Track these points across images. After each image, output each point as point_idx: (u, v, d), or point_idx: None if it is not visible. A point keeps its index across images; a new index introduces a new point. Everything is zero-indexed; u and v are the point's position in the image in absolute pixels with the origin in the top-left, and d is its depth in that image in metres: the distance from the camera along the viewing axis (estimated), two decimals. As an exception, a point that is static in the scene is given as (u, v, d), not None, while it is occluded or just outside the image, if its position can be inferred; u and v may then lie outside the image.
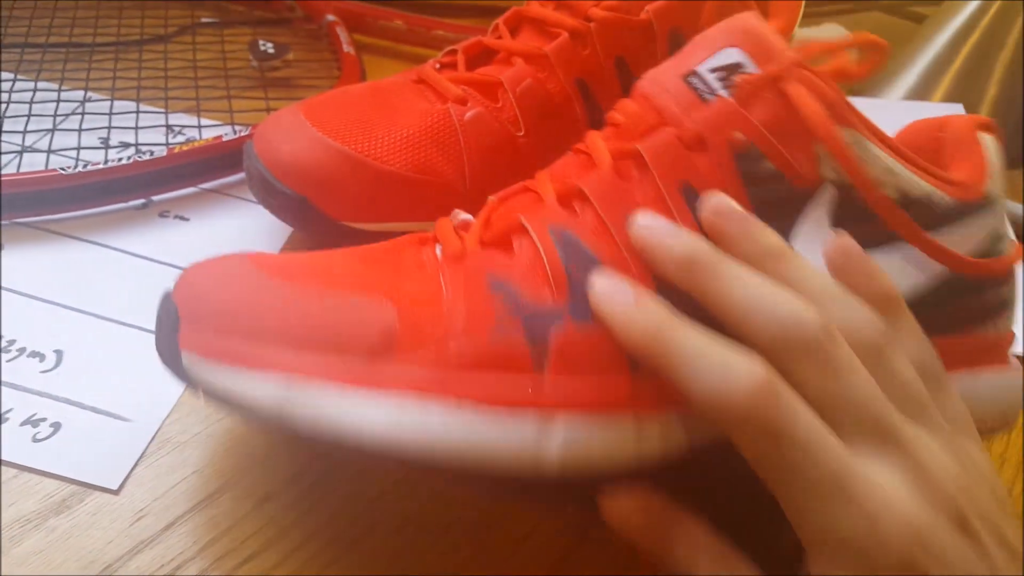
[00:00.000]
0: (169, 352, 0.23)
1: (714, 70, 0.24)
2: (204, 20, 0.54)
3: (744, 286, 0.20)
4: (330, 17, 0.52)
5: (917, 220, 0.24)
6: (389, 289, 0.23)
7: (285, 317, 0.22)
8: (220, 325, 0.22)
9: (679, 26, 0.36)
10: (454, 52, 0.38)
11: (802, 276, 0.21)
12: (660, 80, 0.25)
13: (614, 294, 0.20)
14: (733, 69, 0.24)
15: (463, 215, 0.26)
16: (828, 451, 0.18)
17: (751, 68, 0.23)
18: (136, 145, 0.41)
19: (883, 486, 0.18)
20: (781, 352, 0.19)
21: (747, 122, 0.23)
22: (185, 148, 0.38)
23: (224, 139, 0.39)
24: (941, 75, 0.59)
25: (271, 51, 0.49)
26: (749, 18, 0.24)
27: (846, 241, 0.22)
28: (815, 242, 0.23)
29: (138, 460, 0.27)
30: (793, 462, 0.18)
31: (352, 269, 0.24)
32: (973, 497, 0.19)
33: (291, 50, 0.49)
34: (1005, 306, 0.27)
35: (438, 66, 0.38)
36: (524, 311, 0.22)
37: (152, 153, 0.38)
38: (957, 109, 0.57)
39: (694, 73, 0.24)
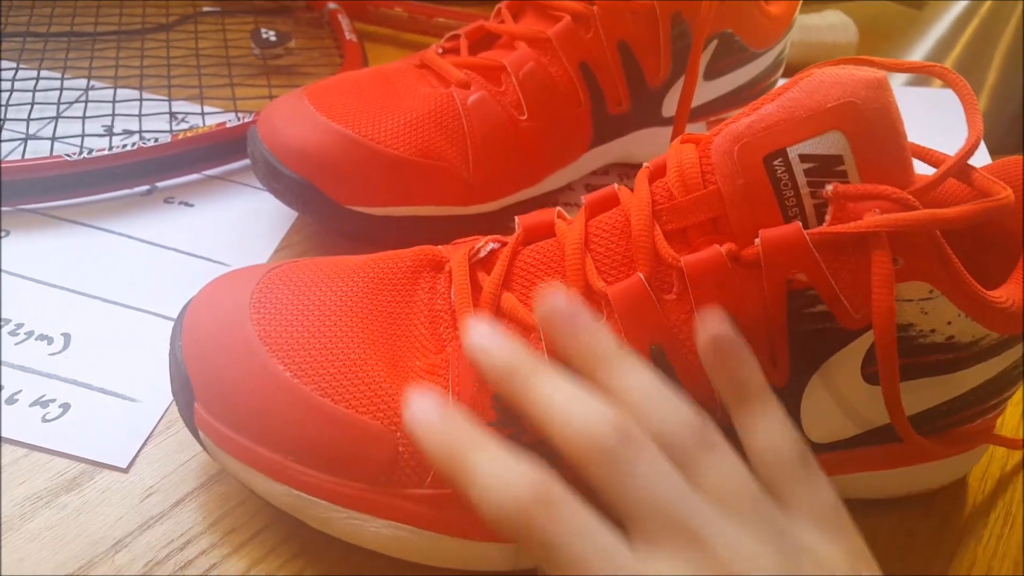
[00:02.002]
0: (188, 419, 0.25)
1: (806, 158, 0.21)
2: (206, 9, 0.54)
3: (551, 397, 0.20)
4: (331, 5, 0.52)
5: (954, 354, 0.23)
6: (397, 378, 0.24)
7: (294, 433, 0.23)
8: (233, 423, 0.23)
9: (681, 11, 0.37)
10: (456, 37, 0.38)
11: (625, 382, 0.20)
12: (733, 152, 0.22)
13: (421, 409, 0.20)
14: (829, 165, 0.21)
15: (489, 245, 0.25)
16: (605, 558, 0.18)
17: (851, 166, 0.21)
18: (140, 132, 0.41)
19: (657, 570, 0.18)
20: (578, 459, 0.19)
21: (815, 266, 0.21)
22: (189, 135, 0.38)
23: (228, 125, 0.39)
24: (941, 61, 0.59)
25: (273, 39, 0.49)
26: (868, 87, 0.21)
27: (717, 328, 0.21)
28: (846, 374, 0.23)
29: (146, 439, 0.28)
30: (560, 557, 0.18)
31: (361, 339, 0.24)
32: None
33: (293, 38, 0.49)
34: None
35: (441, 51, 0.38)
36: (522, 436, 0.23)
37: (156, 140, 0.38)
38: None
39: (782, 155, 0.21)
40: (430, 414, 0.20)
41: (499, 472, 0.18)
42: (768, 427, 0.21)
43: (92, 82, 0.45)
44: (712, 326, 0.21)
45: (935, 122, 0.55)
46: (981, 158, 0.52)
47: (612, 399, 0.20)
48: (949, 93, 0.57)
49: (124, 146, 0.37)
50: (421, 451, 0.19)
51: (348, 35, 0.49)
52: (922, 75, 0.59)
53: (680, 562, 0.18)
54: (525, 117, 0.36)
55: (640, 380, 0.20)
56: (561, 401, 0.19)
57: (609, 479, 0.19)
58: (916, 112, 0.56)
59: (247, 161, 0.39)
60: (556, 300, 0.21)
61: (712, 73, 0.40)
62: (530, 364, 0.20)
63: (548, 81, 0.36)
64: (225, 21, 0.53)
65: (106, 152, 0.37)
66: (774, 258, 0.21)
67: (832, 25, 0.60)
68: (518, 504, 0.18)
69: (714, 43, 0.39)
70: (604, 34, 0.36)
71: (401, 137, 0.34)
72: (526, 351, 0.20)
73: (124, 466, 0.27)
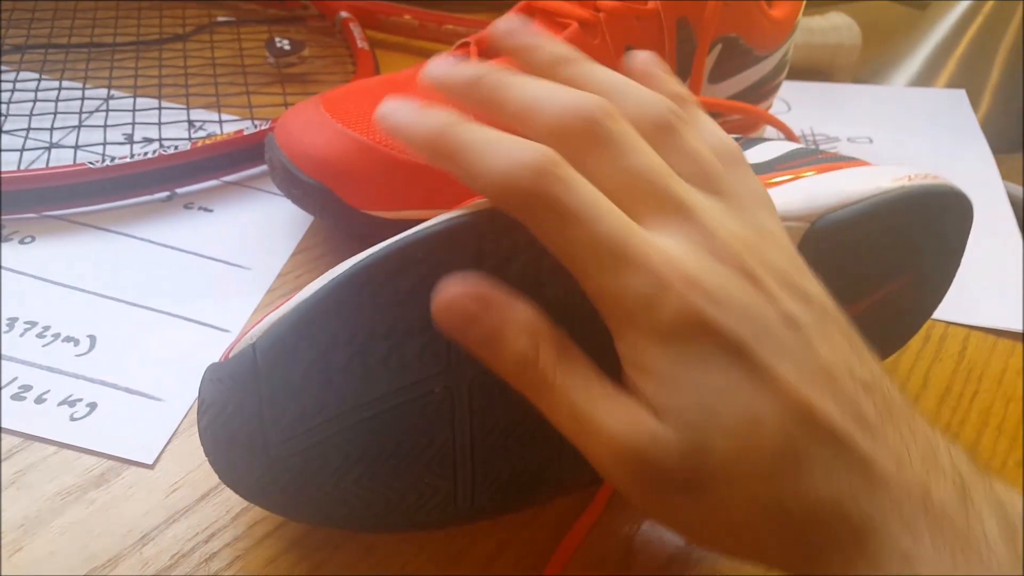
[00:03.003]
0: None
1: None
2: (220, 19, 0.56)
3: (525, 87, 0.20)
4: (343, 14, 0.54)
5: None
6: None
7: None
8: None
9: (686, 15, 0.37)
10: (467, 44, 0.39)
11: (591, 75, 0.21)
12: None
13: (396, 109, 0.20)
14: None
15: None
16: (608, 221, 0.18)
17: None
18: (160, 140, 0.43)
19: (665, 248, 0.19)
20: (563, 139, 0.19)
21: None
22: (208, 142, 0.40)
23: (245, 133, 0.40)
24: (945, 61, 0.59)
25: (287, 48, 0.50)
26: None
27: (644, 53, 0.23)
28: None
29: (171, 437, 0.29)
30: (577, 236, 0.18)
31: None
32: (764, 256, 0.19)
33: (306, 46, 0.50)
34: None
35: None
36: None
37: (176, 148, 0.39)
38: (960, 95, 0.57)
39: None
40: (408, 107, 0.20)
41: (503, 144, 0.19)
42: (704, 127, 0.22)
43: (112, 91, 0.46)
44: (637, 56, 0.23)
45: (937, 118, 0.56)
46: (983, 156, 0.52)
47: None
48: (951, 92, 0.58)
49: (145, 154, 0.38)
50: (406, 144, 0.20)
51: (360, 43, 0.50)
52: (924, 76, 0.60)
53: (673, 233, 0.19)
54: (534, 122, 0.37)
55: (607, 74, 0.22)
56: (538, 90, 0.20)
57: (600, 158, 0.19)
58: (920, 110, 0.56)
59: (264, 167, 0.40)
60: (512, 22, 0.23)
61: (717, 76, 0.41)
62: (497, 72, 0.21)
63: (556, 86, 0.37)
64: (240, 31, 0.54)
65: (128, 160, 0.38)
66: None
67: (835, 27, 0.61)
68: (530, 169, 0.18)
69: (719, 47, 0.39)
70: (611, 40, 0.37)
71: (414, 142, 0.35)
72: (489, 67, 0.21)
73: (150, 462, 0.28)
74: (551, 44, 0.22)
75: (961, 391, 0.35)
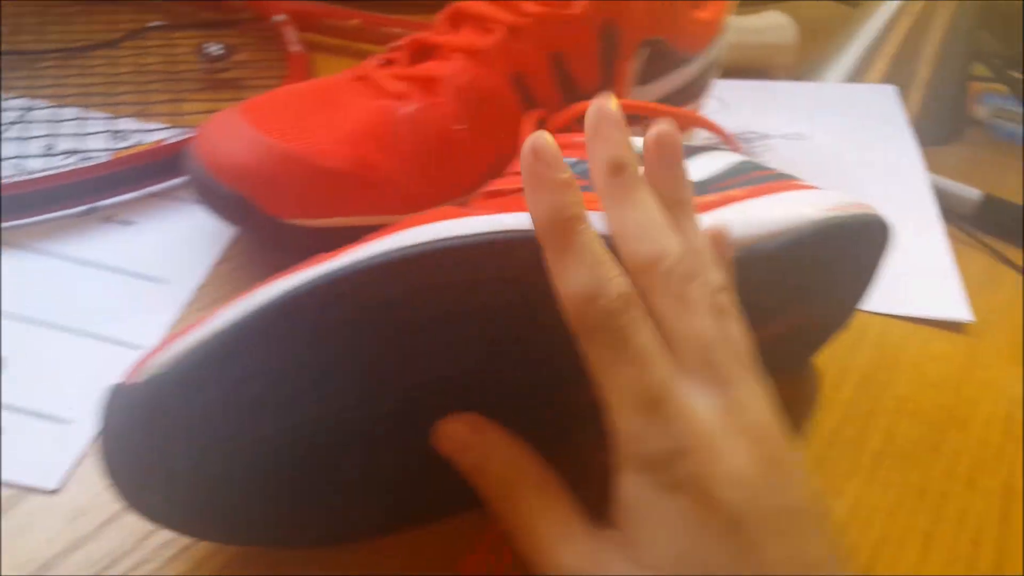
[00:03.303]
0: None
1: None
2: (153, 24, 0.54)
3: (642, 212, 0.22)
4: (278, 17, 0.53)
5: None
6: None
7: None
8: None
9: (612, 19, 0.37)
10: (397, 48, 0.39)
11: (691, 232, 0.22)
12: None
13: (547, 169, 0.21)
14: None
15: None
16: (657, 370, 0.20)
17: None
18: (81, 152, 0.41)
19: (696, 413, 0.20)
20: (645, 274, 0.21)
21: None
22: (128, 152, 0.39)
23: (168, 142, 0.39)
24: (876, 58, 0.60)
25: (219, 52, 0.49)
26: None
27: (665, 129, 0.23)
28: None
29: (78, 461, 0.28)
30: (624, 372, 0.20)
31: None
32: (783, 443, 0.20)
33: (239, 51, 0.50)
34: None
35: (381, 63, 0.38)
36: None
37: (96, 159, 0.38)
38: (891, 90, 0.58)
39: None
40: (553, 181, 0.21)
41: (597, 264, 0.20)
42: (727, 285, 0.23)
43: (34, 101, 0.45)
44: (662, 127, 0.23)
45: (867, 114, 0.56)
46: (910, 149, 0.53)
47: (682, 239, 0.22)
48: (883, 88, 0.59)
49: (62, 166, 0.37)
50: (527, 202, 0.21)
51: (293, 47, 0.49)
52: (856, 72, 0.61)
53: (711, 400, 0.20)
54: (460, 128, 0.36)
55: (699, 236, 0.23)
56: (645, 221, 0.22)
57: (672, 310, 0.21)
58: (851, 105, 0.57)
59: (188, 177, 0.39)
60: (668, 135, 0.23)
61: (645, 79, 0.41)
62: (635, 178, 0.22)
63: (483, 92, 0.37)
64: (172, 36, 0.53)
65: (43, 173, 0.37)
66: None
67: (771, 26, 0.61)
68: (608, 297, 0.20)
69: (645, 51, 0.39)
70: (537, 45, 0.37)
71: (336, 149, 0.35)
72: (635, 163, 0.23)
73: (54, 488, 0.27)
74: (682, 183, 0.23)
75: (878, 378, 0.36)
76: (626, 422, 0.20)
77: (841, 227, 0.27)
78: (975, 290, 0.43)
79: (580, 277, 0.20)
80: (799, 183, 0.29)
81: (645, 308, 0.21)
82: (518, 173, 0.27)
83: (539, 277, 0.21)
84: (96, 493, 0.27)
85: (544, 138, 0.21)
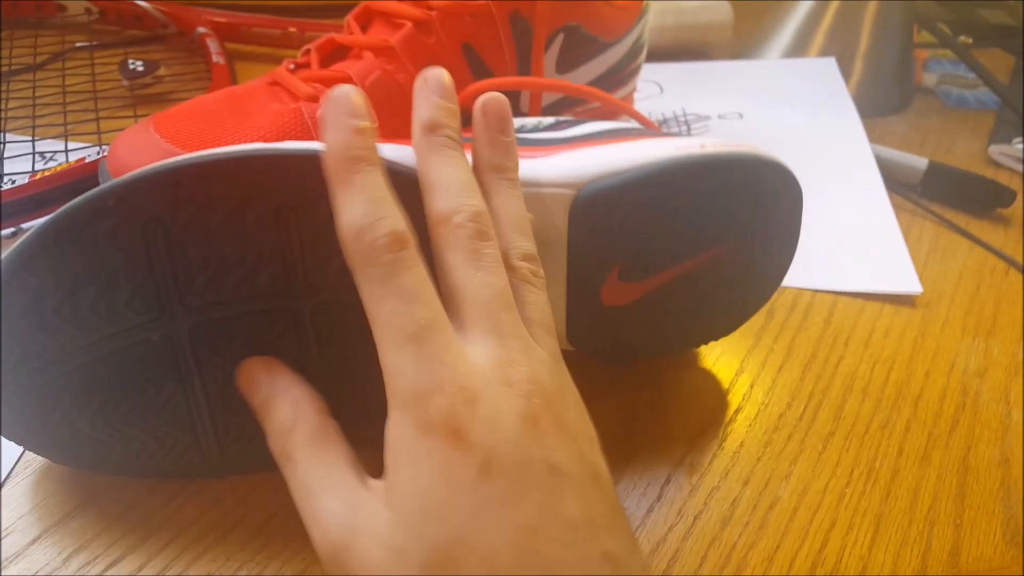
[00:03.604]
0: None
1: None
2: (77, 45, 0.54)
3: (449, 170, 0.23)
4: (201, 29, 0.52)
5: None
6: None
7: None
8: None
9: (518, 8, 0.37)
10: (309, 52, 0.39)
11: (504, 197, 0.24)
12: None
13: (341, 114, 0.22)
14: None
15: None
16: (423, 308, 0.20)
17: None
18: (1, 175, 0.41)
19: (462, 357, 0.20)
20: (441, 225, 0.22)
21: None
22: (47, 174, 0.38)
23: (87, 160, 0.39)
24: (814, 31, 0.61)
25: (140, 68, 0.48)
26: None
27: (493, 96, 0.25)
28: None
29: (3, 481, 0.28)
30: (389, 307, 0.20)
31: None
32: (556, 409, 0.20)
33: (161, 66, 0.49)
34: None
35: (293, 67, 0.38)
36: None
37: (14, 182, 0.38)
38: (830, 63, 0.59)
39: None
40: (342, 119, 0.22)
41: (379, 201, 0.21)
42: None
43: (-45, 129, 0.45)
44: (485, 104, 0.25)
45: (807, 88, 0.57)
46: (851, 120, 0.53)
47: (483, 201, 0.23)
48: (822, 61, 0.59)
49: (-20, 191, 0.37)
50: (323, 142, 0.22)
51: (216, 58, 0.49)
52: (795, 47, 0.61)
53: (483, 348, 0.20)
54: (375, 125, 0.36)
55: (513, 203, 0.24)
56: (455, 177, 0.23)
57: (461, 262, 0.21)
58: (791, 80, 0.58)
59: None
60: (498, 104, 0.25)
61: (565, 66, 0.41)
62: (449, 137, 0.24)
63: (395, 88, 0.37)
64: (94, 55, 0.52)
65: (-40, 199, 0.36)
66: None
67: (706, 6, 0.62)
68: (384, 233, 0.20)
69: (560, 37, 0.39)
70: (447, 38, 0.37)
71: (251, 157, 0.34)
72: (452, 122, 0.24)
73: (-23, 512, 0.27)
74: (501, 149, 0.25)
75: (826, 357, 0.36)
76: (389, 357, 0.20)
77: (709, 164, 0.28)
78: (925, 260, 0.43)
79: (354, 210, 0.21)
80: (677, 136, 0.30)
81: (422, 255, 0.21)
82: None
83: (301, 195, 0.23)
84: (22, 514, 0.27)
85: (346, 90, 0.22)
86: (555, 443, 0.20)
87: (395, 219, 0.21)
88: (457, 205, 0.22)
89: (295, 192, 0.23)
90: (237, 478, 0.28)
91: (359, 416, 0.25)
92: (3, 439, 0.29)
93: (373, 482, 0.21)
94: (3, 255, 0.23)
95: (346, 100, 0.22)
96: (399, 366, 0.20)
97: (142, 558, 0.26)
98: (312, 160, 0.23)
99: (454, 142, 0.24)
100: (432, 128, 0.24)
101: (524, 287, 0.23)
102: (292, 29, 0.55)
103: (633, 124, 0.33)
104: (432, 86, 0.24)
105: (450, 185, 0.22)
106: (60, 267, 0.22)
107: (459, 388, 0.19)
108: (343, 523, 0.20)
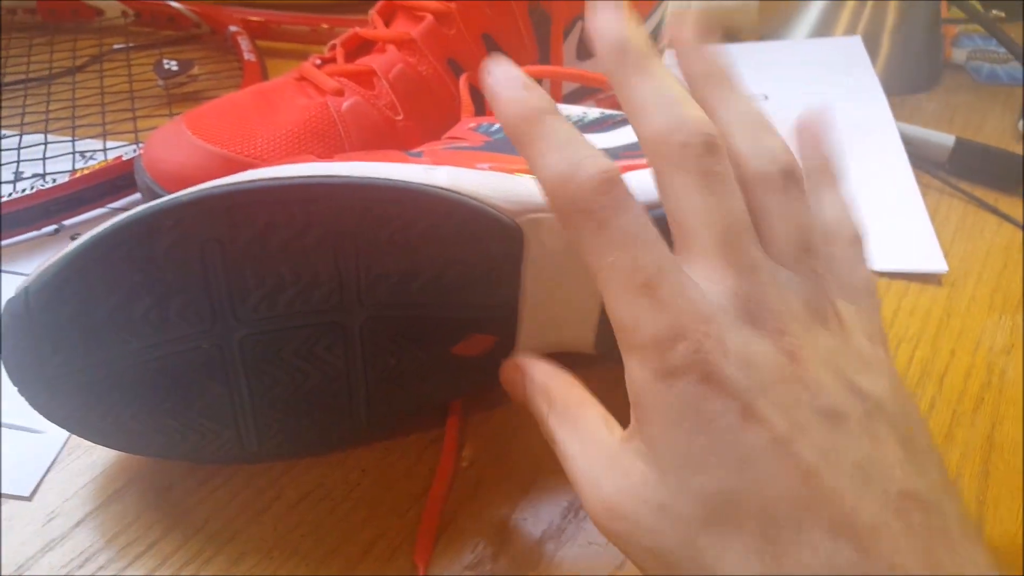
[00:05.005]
0: None
1: None
2: (114, 48, 0.56)
3: (656, 84, 0.20)
4: (233, 28, 0.54)
5: None
6: None
7: None
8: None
9: (536, -3, 0.38)
10: (334, 47, 0.40)
11: (728, 104, 0.21)
12: None
13: (502, 77, 0.20)
14: None
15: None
16: (648, 253, 0.18)
17: None
18: (45, 175, 0.43)
19: (698, 297, 0.18)
20: (656, 152, 0.19)
21: None
22: (86, 171, 0.40)
23: (124, 158, 0.41)
24: (840, 10, 0.60)
25: (175, 68, 0.50)
26: None
27: (815, 118, 0.23)
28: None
29: (49, 467, 0.29)
30: (610, 256, 0.18)
31: None
32: (816, 340, 0.18)
33: (196, 65, 0.51)
34: None
35: (319, 62, 0.39)
36: None
37: (55, 180, 0.39)
38: (856, 41, 0.58)
39: None
40: (515, 81, 0.20)
41: (571, 148, 0.19)
42: (833, 203, 0.22)
43: (1, 131, 0.46)
44: (807, 114, 0.23)
45: (833, 67, 0.56)
46: (878, 99, 0.53)
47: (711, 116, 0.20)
48: (848, 40, 0.58)
49: (23, 190, 0.39)
50: (495, 111, 0.20)
51: (247, 55, 0.50)
52: (822, 26, 0.61)
53: (717, 283, 0.18)
54: (401, 117, 0.37)
55: (747, 108, 0.21)
56: (663, 95, 0.20)
57: (682, 184, 0.19)
58: (816, 61, 0.57)
59: (146, 191, 0.41)
60: (680, 27, 0.22)
61: (584, 54, 0.41)
62: (645, 49, 0.20)
63: (418, 80, 0.37)
64: (131, 57, 0.54)
65: (7, 197, 0.38)
66: None
67: (730, -12, 0.61)
68: (584, 179, 0.18)
69: (578, 26, 0.40)
70: (466, 29, 0.38)
71: (279, 150, 0.35)
72: (645, 36, 0.21)
73: (27, 495, 0.28)
74: (711, 58, 0.21)
75: None
76: (620, 311, 0.18)
77: None
78: (952, 238, 0.42)
79: (551, 160, 0.19)
80: None
81: (626, 192, 0.19)
82: (448, 137, 0.29)
83: (352, 224, 0.23)
84: (67, 497, 0.28)
85: (501, 59, 0.21)
86: (820, 377, 0.18)
87: (595, 157, 0.19)
88: (676, 120, 0.19)
89: (356, 219, 0.23)
90: (264, 466, 0.29)
91: (400, 420, 0.27)
92: (49, 427, 0.30)
93: (627, 436, 0.19)
94: (56, 260, 0.23)
95: (506, 65, 0.20)
96: (632, 318, 0.18)
97: (179, 539, 0.27)
98: (375, 190, 0.23)
99: (653, 53, 0.20)
100: (623, 47, 0.20)
101: (770, 198, 0.20)
102: (324, 25, 0.56)
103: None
104: (612, 5, 0.21)
105: (661, 100, 0.19)
106: (113, 278, 0.23)
107: (702, 331, 0.17)
108: (608, 487, 0.18)
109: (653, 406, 0.18)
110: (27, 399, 0.26)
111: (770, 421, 0.17)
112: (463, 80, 0.36)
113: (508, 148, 0.26)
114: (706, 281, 0.18)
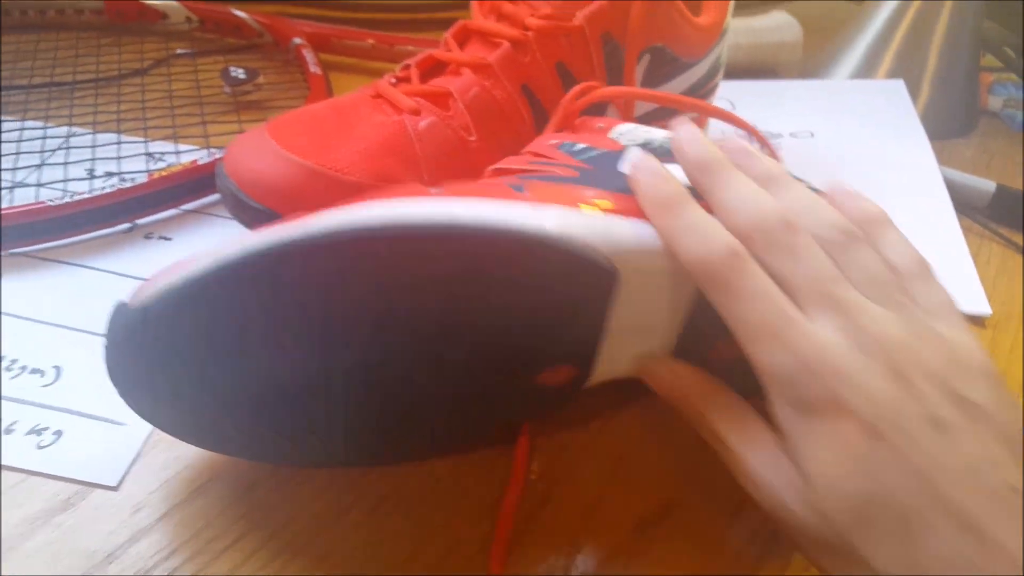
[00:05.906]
0: None
1: None
2: (179, 52, 0.57)
3: (738, 186, 0.26)
4: (297, 40, 0.55)
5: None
6: None
7: None
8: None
9: (609, 30, 0.39)
10: (408, 67, 0.41)
11: (789, 192, 0.26)
12: None
13: (643, 167, 0.26)
14: None
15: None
16: (772, 304, 0.23)
17: None
18: (119, 174, 0.44)
19: (816, 336, 0.22)
20: (750, 238, 0.24)
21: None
22: (164, 173, 0.41)
23: (199, 163, 0.42)
24: (883, 53, 0.61)
25: (242, 76, 0.51)
26: None
27: (842, 183, 0.27)
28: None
29: (134, 459, 0.30)
30: (743, 311, 0.23)
31: None
32: (917, 357, 0.22)
33: (261, 74, 0.52)
34: None
35: (394, 80, 0.41)
36: None
37: (134, 180, 0.41)
38: (898, 84, 0.59)
39: None
40: (653, 169, 0.26)
41: (706, 229, 0.24)
42: (892, 244, 0.26)
43: (73, 128, 0.48)
44: (835, 184, 0.28)
45: (877, 109, 0.58)
46: (920, 143, 0.54)
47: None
48: (891, 83, 0.60)
49: (104, 188, 0.40)
50: (638, 195, 0.26)
51: (313, 68, 0.52)
52: (864, 68, 0.62)
53: (830, 325, 0.23)
54: (474, 138, 0.39)
55: (803, 193, 0.26)
56: (746, 193, 0.25)
57: (778, 258, 0.24)
58: (860, 101, 0.58)
59: (219, 195, 0.42)
60: (736, 143, 0.28)
61: (651, 84, 0.42)
62: (722, 162, 0.26)
63: (493, 104, 0.39)
64: (197, 62, 0.56)
65: (87, 195, 0.39)
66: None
67: (778, 26, 0.63)
68: (717, 253, 0.24)
69: (647, 57, 0.41)
70: (541, 57, 0.39)
71: (357, 165, 0.37)
72: (719, 152, 0.27)
73: (114, 485, 0.29)
74: (766, 162, 0.27)
75: None
76: (756, 355, 0.23)
77: None
78: (992, 282, 0.43)
79: (691, 243, 0.24)
80: None
81: (755, 260, 0.24)
82: (531, 153, 0.30)
83: (463, 266, 0.24)
84: (152, 490, 0.29)
85: (642, 155, 0.27)
86: (927, 391, 0.21)
87: (720, 235, 0.24)
88: (757, 212, 0.24)
89: (471, 263, 0.24)
90: (342, 470, 0.30)
91: (478, 438, 0.29)
92: (132, 420, 0.31)
93: (782, 444, 0.23)
94: (180, 278, 0.24)
95: (651, 163, 0.27)
96: (767, 358, 0.23)
97: (261, 538, 0.28)
98: (494, 237, 0.24)
99: (728, 165, 0.26)
100: (705, 164, 0.26)
101: (843, 250, 0.24)
102: (369, 42, 0.57)
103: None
104: (691, 129, 0.28)
105: (741, 199, 0.25)
106: (237, 303, 0.24)
107: (825, 366, 0.22)
108: (777, 484, 0.23)
109: (796, 435, 0.22)
110: (129, 405, 0.27)
111: (889, 437, 0.21)
112: (573, 91, 0.36)
113: (602, 180, 0.27)
114: (817, 324, 0.23)
